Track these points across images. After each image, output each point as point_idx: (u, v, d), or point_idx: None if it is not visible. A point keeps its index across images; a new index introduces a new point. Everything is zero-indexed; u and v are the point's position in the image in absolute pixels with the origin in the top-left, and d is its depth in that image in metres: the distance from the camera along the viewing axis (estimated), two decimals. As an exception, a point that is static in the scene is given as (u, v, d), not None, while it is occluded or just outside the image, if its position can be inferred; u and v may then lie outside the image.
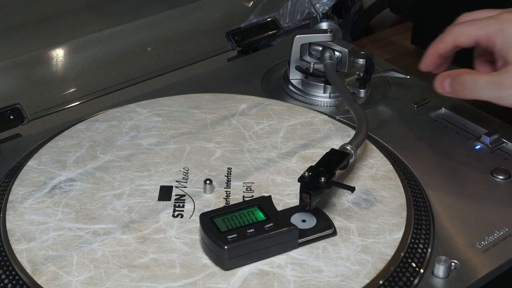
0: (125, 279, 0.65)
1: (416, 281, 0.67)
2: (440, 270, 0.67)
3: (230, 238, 0.66)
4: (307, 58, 0.95)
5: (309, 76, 0.94)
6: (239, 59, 1.07)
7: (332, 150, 0.75)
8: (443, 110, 0.92)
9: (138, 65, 1.01)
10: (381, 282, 0.66)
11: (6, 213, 0.72)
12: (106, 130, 0.85)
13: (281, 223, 0.68)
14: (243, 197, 0.75)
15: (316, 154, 0.80)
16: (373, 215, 0.72)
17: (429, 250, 0.71)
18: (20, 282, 0.66)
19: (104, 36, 0.99)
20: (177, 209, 0.73)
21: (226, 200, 0.74)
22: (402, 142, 0.86)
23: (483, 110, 0.92)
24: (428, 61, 0.83)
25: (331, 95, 0.92)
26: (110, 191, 0.75)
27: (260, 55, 1.07)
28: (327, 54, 0.93)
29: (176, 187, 0.76)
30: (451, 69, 0.82)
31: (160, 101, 0.90)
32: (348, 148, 0.75)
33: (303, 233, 0.69)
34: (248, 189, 0.76)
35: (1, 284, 0.66)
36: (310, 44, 0.95)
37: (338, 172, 0.72)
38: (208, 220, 0.68)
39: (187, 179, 0.77)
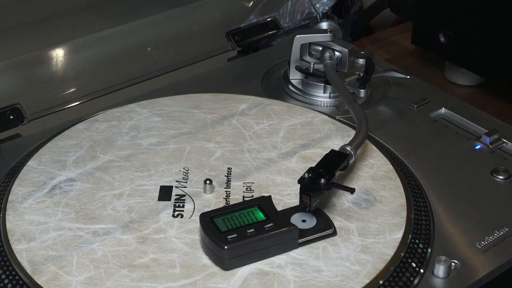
0: (125, 279, 0.65)
1: (416, 281, 0.67)
2: (440, 270, 0.67)
3: (230, 238, 0.66)
4: (307, 58, 0.95)
5: (309, 76, 0.94)
6: (239, 59, 1.07)
7: (332, 151, 0.75)
8: (443, 110, 0.92)
9: (138, 65, 1.01)
10: (381, 282, 0.66)
11: (6, 213, 0.72)
12: (106, 130, 0.85)
13: (281, 223, 0.68)
14: (243, 197, 0.75)
15: (316, 154, 0.80)
16: (373, 215, 0.72)
17: (429, 250, 0.71)
18: (20, 282, 0.66)
19: (104, 36, 0.99)
20: (177, 209, 0.73)
21: (226, 200, 0.74)
22: (402, 142, 0.86)
23: (483, 110, 0.92)
24: None
25: (331, 95, 0.92)
26: (110, 191, 0.75)
27: (260, 55, 1.07)
28: (327, 54, 0.93)
29: (176, 187, 0.76)
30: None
31: (160, 101, 0.90)
32: (348, 149, 0.75)
33: (303, 233, 0.69)
34: (248, 189, 0.76)
35: (1, 284, 0.66)
36: (310, 44, 0.95)
37: (338, 172, 0.72)
38: (208, 220, 0.68)
39: (187, 179, 0.77)
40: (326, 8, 1.11)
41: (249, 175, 0.78)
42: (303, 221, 0.70)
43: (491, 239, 0.72)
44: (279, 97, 0.93)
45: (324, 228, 0.70)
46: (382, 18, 1.25)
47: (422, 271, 0.68)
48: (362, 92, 0.90)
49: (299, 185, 0.69)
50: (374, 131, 0.86)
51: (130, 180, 0.77)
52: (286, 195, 0.75)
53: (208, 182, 0.75)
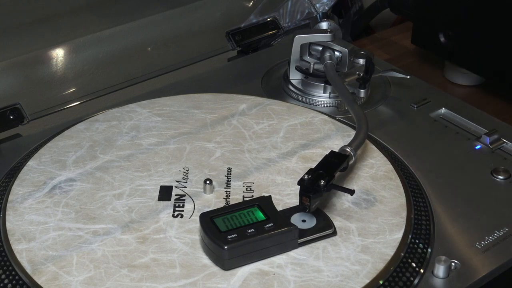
0: (125, 279, 0.65)
1: (416, 281, 0.67)
2: (440, 270, 0.67)
3: (230, 238, 0.66)
4: (307, 58, 0.95)
5: (309, 76, 0.94)
6: (239, 59, 1.07)
7: (332, 152, 0.75)
8: (443, 110, 0.92)
9: (138, 65, 1.01)
10: (381, 282, 0.66)
11: (6, 213, 0.72)
12: (106, 130, 0.85)
13: (281, 223, 0.68)
14: (243, 197, 0.75)
15: (316, 154, 0.80)
16: (373, 215, 0.72)
17: (429, 250, 0.71)
18: (20, 282, 0.66)
19: (104, 36, 0.99)
20: (177, 209, 0.73)
21: (226, 200, 0.74)
22: (402, 142, 0.86)
23: (483, 110, 0.92)
24: None
25: (331, 95, 0.92)
26: (110, 191, 0.75)
27: (260, 55, 1.07)
28: (327, 54, 0.93)
29: (176, 187, 0.76)
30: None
31: (160, 101, 0.90)
32: (348, 150, 0.75)
33: (303, 233, 0.69)
34: (248, 189, 0.76)
35: (1, 284, 0.66)
36: (310, 44, 0.95)
37: (338, 173, 0.72)
38: (208, 220, 0.68)
39: (187, 179, 0.77)
40: (326, 8, 1.11)
41: (249, 175, 0.78)
42: (303, 221, 0.70)
43: (491, 239, 0.72)
44: (279, 97, 0.93)
45: (324, 228, 0.70)
46: (382, 18, 1.25)
47: (422, 271, 0.68)
48: (362, 92, 0.90)
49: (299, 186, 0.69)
50: (374, 131, 0.86)
51: (130, 180, 0.77)
52: (286, 195, 0.75)
53: (208, 182, 0.75)
